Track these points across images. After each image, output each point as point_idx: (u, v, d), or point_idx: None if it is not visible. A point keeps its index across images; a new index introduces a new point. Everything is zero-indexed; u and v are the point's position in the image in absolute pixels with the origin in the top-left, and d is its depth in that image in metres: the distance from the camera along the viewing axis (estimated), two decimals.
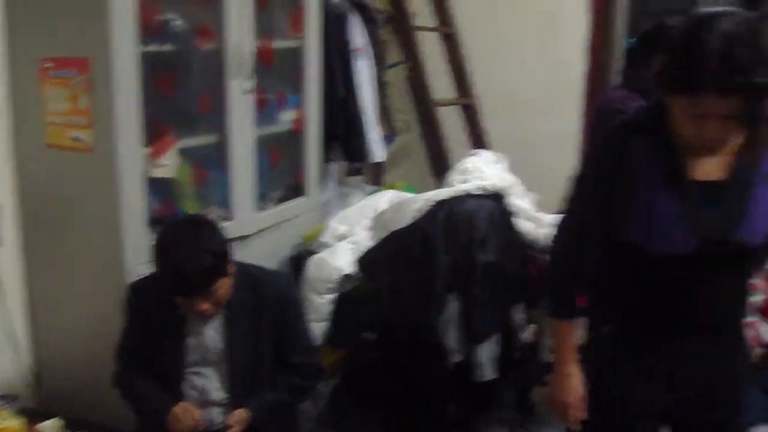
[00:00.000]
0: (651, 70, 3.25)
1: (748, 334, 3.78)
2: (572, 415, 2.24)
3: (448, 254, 3.23)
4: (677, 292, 2.08)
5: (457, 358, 3.29)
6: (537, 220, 3.49)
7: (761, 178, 2.04)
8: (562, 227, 2.25)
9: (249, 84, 3.32)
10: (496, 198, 3.43)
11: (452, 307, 3.25)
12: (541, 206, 3.63)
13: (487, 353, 3.27)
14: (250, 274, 2.71)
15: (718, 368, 2.19)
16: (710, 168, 2.01)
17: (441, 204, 3.33)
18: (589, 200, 2.14)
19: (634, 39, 3.52)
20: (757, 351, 3.92)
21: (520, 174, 3.74)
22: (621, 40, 4.90)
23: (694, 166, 2.00)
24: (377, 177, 4.95)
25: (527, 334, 3.59)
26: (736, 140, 1.98)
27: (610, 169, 2.06)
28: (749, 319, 3.93)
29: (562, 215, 2.26)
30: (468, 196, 3.37)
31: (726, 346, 2.23)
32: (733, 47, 1.71)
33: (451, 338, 3.27)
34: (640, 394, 2.18)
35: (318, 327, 3.35)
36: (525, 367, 3.66)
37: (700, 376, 2.18)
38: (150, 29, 2.90)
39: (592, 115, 4.31)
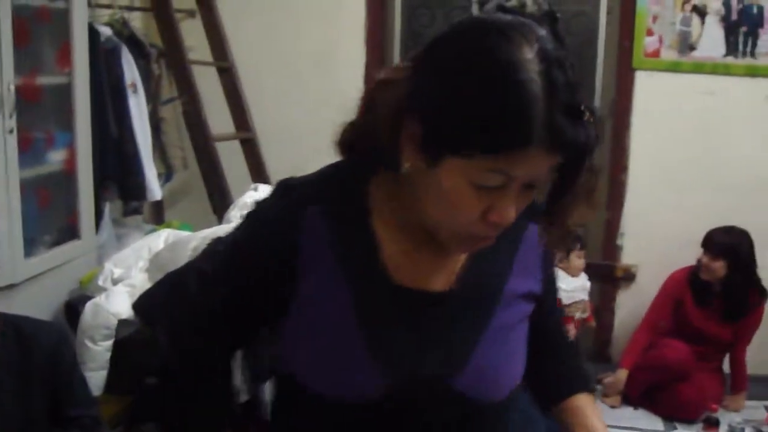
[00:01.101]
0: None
1: None
2: None
3: None
4: None
5: (243, 397, 3.23)
6: None
7: (507, 293, 1.35)
8: (181, 330, 1.51)
9: (11, 123, 3.15)
10: None
11: None
12: None
13: (273, 391, 3.24)
14: (16, 327, 2.55)
15: None
16: (429, 271, 1.31)
17: (218, 241, 3.28)
18: (219, 303, 1.38)
19: None
20: None
21: None
22: None
23: (402, 264, 1.29)
24: (157, 216, 4.83)
25: None
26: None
27: (262, 261, 1.30)
28: None
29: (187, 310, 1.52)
30: None
31: None
32: (563, 79, 1.09)
33: (236, 377, 3.21)
34: None
35: (97, 376, 3.22)
36: None
37: None
38: None
39: None
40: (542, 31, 1.12)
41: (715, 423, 4.08)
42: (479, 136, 1.08)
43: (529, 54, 1.08)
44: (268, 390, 3.23)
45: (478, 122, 1.08)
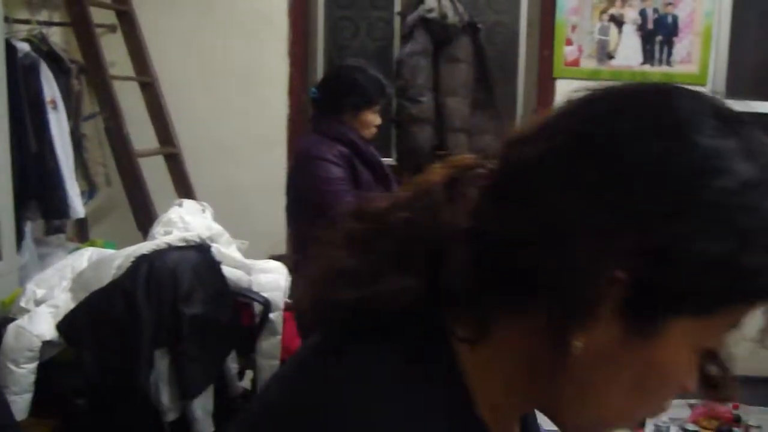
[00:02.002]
0: (341, 115, 3.29)
1: None
2: None
3: (152, 310, 3.14)
4: None
5: (172, 416, 3.20)
6: (245, 267, 3.49)
7: None
8: None
9: None
10: (201, 248, 3.38)
11: (162, 364, 3.16)
12: (249, 253, 3.65)
13: (202, 407, 3.21)
14: None
15: None
16: None
17: (142, 259, 3.24)
18: None
19: (316, 88, 3.49)
20: None
21: (227, 221, 3.73)
22: None
23: None
24: (81, 234, 4.75)
25: (245, 382, 3.56)
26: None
27: None
28: None
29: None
30: (171, 249, 3.30)
31: None
32: None
33: (164, 396, 3.17)
34: None
35: (20, 400, 3.15)
36: None
37: None
38: None
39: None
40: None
41: (641, 423, 4.15)
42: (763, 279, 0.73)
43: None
44: (197, 407, 3.20)
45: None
